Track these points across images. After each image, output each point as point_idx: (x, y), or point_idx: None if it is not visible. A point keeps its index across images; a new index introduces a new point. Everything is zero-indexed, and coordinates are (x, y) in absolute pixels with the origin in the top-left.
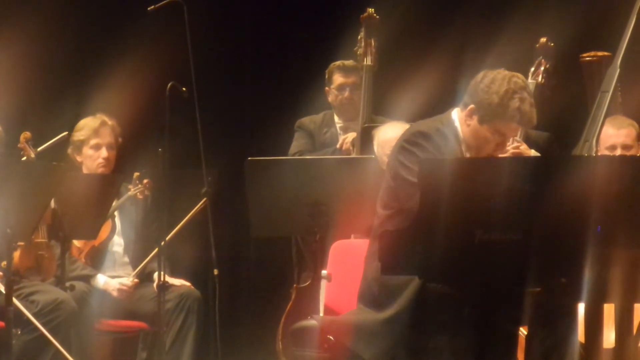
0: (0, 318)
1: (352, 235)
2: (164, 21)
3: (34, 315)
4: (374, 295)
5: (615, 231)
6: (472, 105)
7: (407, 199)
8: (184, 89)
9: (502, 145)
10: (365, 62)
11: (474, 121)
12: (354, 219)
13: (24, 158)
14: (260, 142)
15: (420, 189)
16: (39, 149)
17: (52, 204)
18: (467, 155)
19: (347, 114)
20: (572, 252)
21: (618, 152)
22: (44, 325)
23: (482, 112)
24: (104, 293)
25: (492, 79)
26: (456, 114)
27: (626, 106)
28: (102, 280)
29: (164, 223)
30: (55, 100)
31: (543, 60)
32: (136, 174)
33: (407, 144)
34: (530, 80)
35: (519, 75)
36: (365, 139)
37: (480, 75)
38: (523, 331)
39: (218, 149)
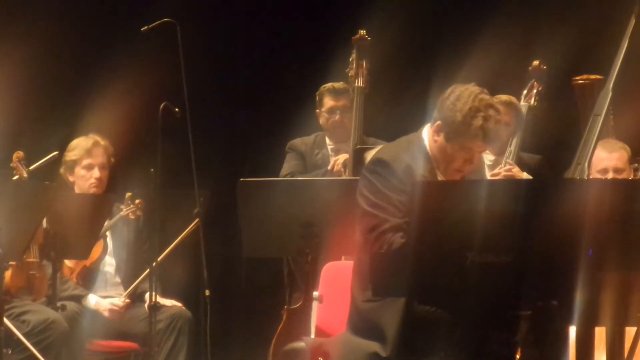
0: None
1: (343, 257)
2: (157, 41)
3: (25, 335)
4: (362, 323)
5: (607, 254)
6: (439, 122)
7: (364, 227)
8: (176, 109)
9: (469, 161)
10: (356, 84)
11: (441, 138)
12: (345, 241)
13: (16, 177)
14: (252, 163)
15: (413, 211)
16: (29, 168)
17: (44, 223)
18: (438, 171)
19: (338, 136)
20: (563, 274)
21: (610, 175)
22: (34, 345)
23: (447, 129)
24: (95, 313)
25: (458, 95)
26: (426, 132)
27: (618, 129)
28: (93, 300)
29: (156, 243)
30: (47, 120)
31: (536, 82)
32: (128, 194)
33: (366, 171)
34: (522, 102)
35: (485, 91)
36: (357, 161)
37: (448, 90)
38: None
39: (210, 170)
